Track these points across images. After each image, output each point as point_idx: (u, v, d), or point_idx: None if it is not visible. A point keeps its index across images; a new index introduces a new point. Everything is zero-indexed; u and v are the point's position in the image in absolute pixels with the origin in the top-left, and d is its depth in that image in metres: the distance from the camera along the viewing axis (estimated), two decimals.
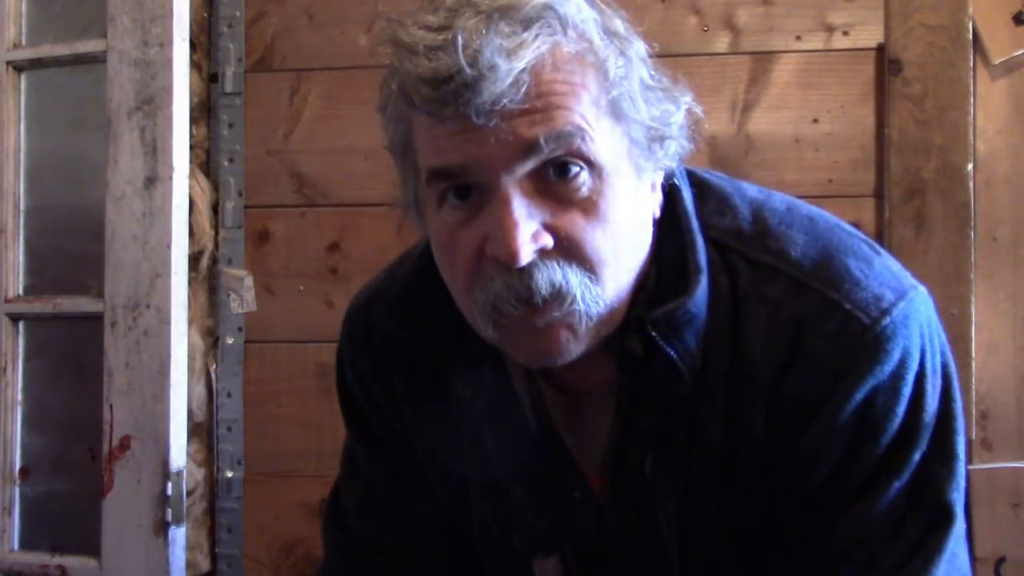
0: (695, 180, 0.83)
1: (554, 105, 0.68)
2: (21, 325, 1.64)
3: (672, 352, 0.74)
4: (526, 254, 0.68)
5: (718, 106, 1.59)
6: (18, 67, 1.64)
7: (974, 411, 1.52)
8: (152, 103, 1.51)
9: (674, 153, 0.77)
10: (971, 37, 1.52)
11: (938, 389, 0.76)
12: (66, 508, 1.63)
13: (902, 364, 0.73)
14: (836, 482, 0.75)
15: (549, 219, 0.70)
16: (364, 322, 0.92)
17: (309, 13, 1.69)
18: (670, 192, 0.80)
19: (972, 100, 1.53)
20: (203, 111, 1.71)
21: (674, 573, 0.82)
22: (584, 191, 0.70)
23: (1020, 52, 1.53)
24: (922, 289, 0.77)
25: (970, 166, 1.53)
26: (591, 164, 0.70)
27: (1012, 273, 1.55)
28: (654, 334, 0.74)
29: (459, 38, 0.65)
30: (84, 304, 1.59)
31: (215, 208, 1.70)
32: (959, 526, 0.76)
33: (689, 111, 0.77)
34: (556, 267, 0.70)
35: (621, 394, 0.79)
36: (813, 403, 0.74)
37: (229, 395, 1.70)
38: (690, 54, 1.60)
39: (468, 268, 0.72)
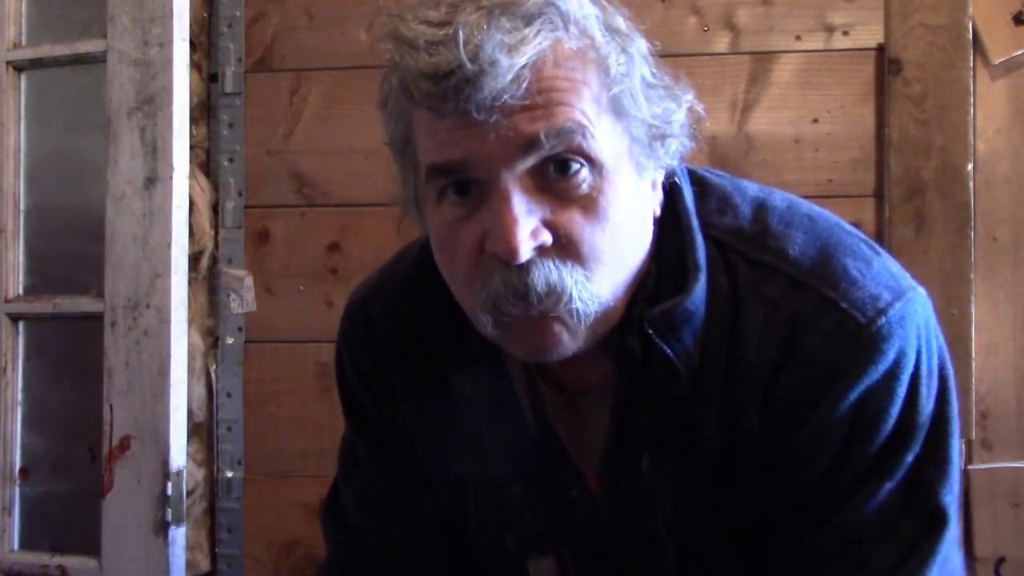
0: (696, 178, 0.83)
1: (555, 101, 0.68)
2: (21, 325, 1.64)
3: (669, 351, 0.74)
4: (525, 251, 0.68)
5: (718, 106, 1.59)
6: (18, 67, 1.64)
7: (974, 411, 1.52)
8: (152, 103, 1.51)
9: (675, 151, 0.77)
10: (971, 37, 1.52)
11: (934, 391, 0.75)
12: (66, 508, 1.63)
13: (897, 364, 0.73)
14: (829, 480, 0.75)
15: (549, 216, 0.69)
16: (363, 317, 0.92)
17: (309, 13, 1.69)
18: (671, 190, 0.79)
19: (972, 100, 1.53)
20: (203, 111, 1.71)
21: (671, 572, 0.82)
22: (584, 188, 0.70)
23: (1020, 52, 1.53)
24: (921, 290, 0.77)
25: (970, 166, 1.53)
26: (591, 161, 0.70)
27: (1012, 273, 1.55)
28: (651, 332, 0.74)
29: (460, 33, 0.65)
30: (84, 304, 1.58)
31: (215, 208, 1.70)
32: (953, 529, 0.75)
33: (690, 109, 0.77)
34: (552, 266, 0.69)
35: (618, 393, 0.79)
36: (808, 401, 0.74)
37: (229, 395, 1.70)
38: (690, 54, 1.60)
39: (467, 264, 0.72)
